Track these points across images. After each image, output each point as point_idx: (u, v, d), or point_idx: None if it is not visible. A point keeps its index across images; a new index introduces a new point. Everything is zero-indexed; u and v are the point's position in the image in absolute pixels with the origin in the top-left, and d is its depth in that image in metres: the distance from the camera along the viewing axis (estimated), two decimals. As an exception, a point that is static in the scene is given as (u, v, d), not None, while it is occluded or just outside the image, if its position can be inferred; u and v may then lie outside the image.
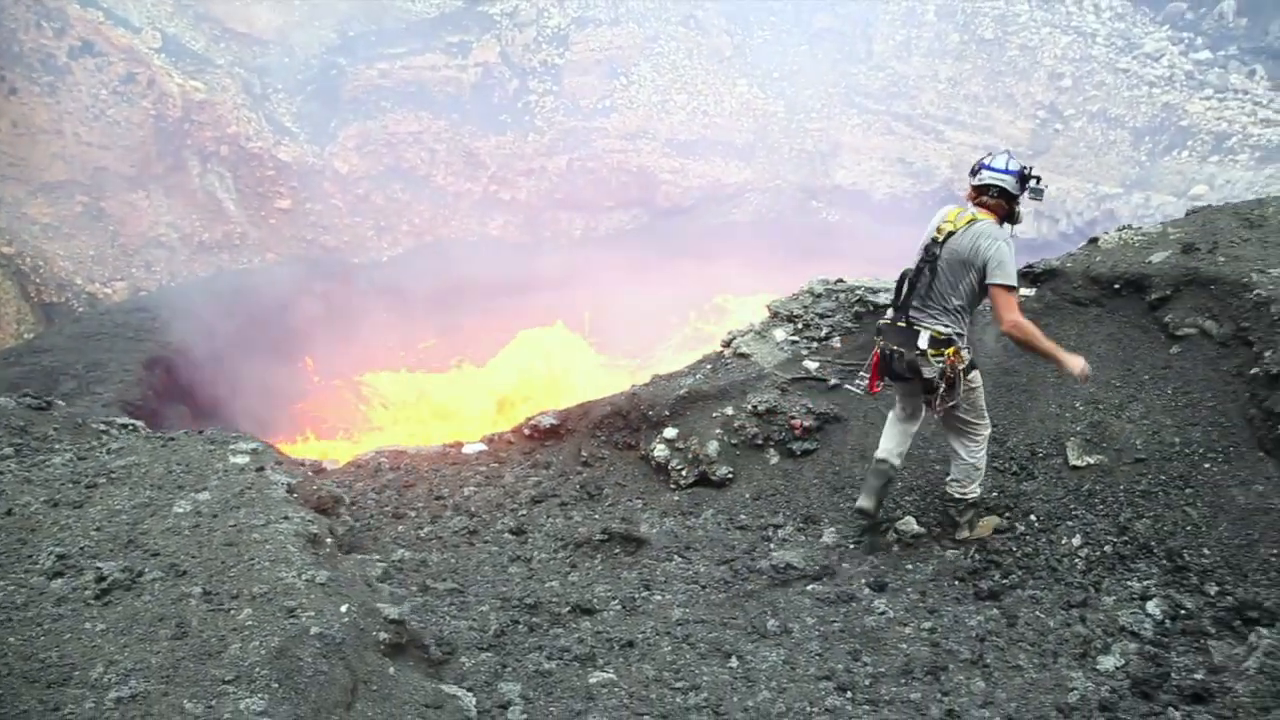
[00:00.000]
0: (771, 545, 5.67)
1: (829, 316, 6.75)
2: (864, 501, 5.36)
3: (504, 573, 5.82)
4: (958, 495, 5.27)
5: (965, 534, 5.27)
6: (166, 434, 6.44)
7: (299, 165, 30.78)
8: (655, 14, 38.20)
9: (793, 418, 6.31)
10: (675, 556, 5.77)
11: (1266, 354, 5.01)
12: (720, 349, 7.18)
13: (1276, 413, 4.79)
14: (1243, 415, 5.05)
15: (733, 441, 6.43)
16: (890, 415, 5.44)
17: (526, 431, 7.98)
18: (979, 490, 5.27)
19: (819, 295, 6.86)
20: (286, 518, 4.61)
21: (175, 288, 26.96)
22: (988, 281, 4.84)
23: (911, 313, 5.01)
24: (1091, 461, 5.29)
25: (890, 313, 5.21)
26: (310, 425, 25.12)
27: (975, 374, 5.08)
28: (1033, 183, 5.01)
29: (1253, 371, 5.08)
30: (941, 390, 4.90)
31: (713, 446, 6.42)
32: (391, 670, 3.89)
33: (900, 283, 5.11)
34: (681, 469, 6.51)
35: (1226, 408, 5.14)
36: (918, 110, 38.06)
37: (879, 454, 5.35)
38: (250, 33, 32.05)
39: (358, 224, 32.15)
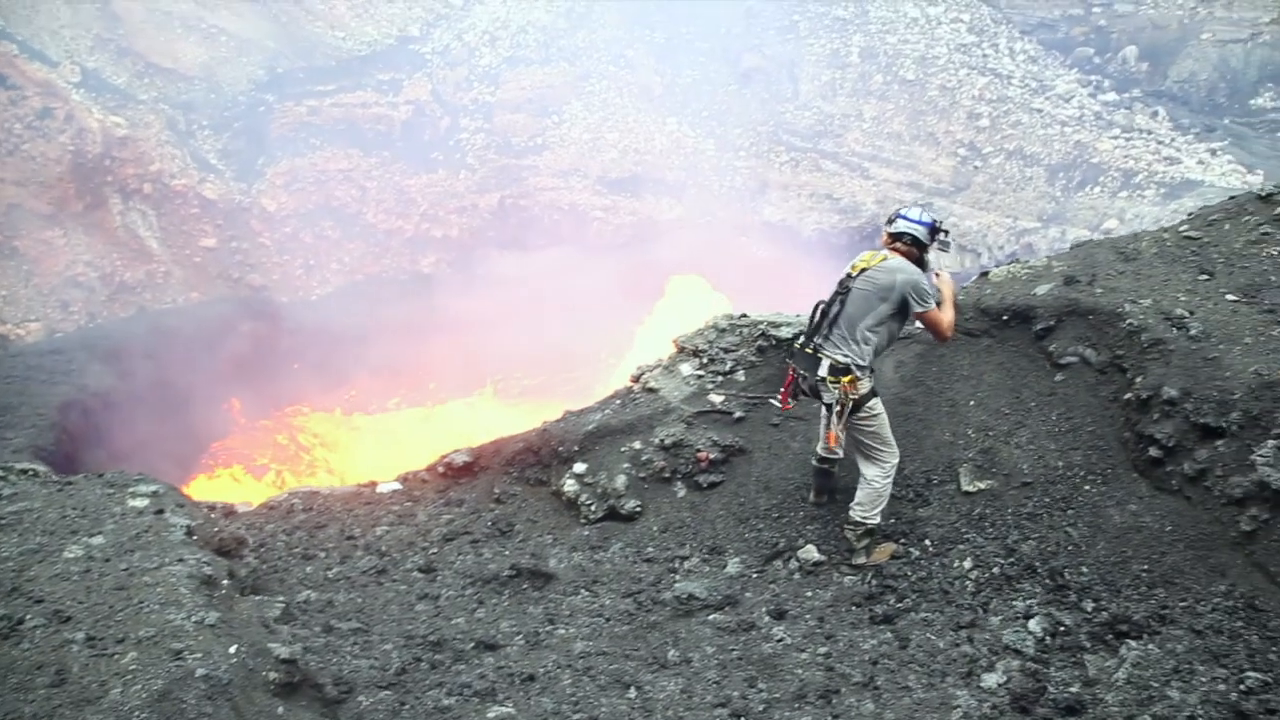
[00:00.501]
0: (677, 577, 5.73)
1: (733, 351, 6.89)
2: (816, 499, 5.96)
3: (411, 611, 5.78)
4: (859, 518, 5.42)
5: (862, 560, 5.41)
6: (65, 479, 6.29)
7: (225, 203, 30.23)
8: (586, 53, 38.63)
9: (699, 451, 6.41)
10: (582, 590, 5.80)
11: (1138, 380, 5.27)
12: (630, 384, 7.27)
13: (1147, 435, 5.03)
14: (1118, 438, 5.29)
15: (641, 475, 6.50)
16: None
17: (441, 469, 7.95)
18: (879, 518, 5.42)
19: (723, 330, 7.00)
20: (181, 560, 4.55)
21: (94, 328, 26.16)
22: (915, 312, 5.25)
23: (818, 340, 5.30)
24: (982, 486, 5.48)
25: (801, 338, 5.48)
26: (234, 465, 24.58)
27: (875, 402, 5.28)
28: (942, 235, 5.42)
29: (1126, 397, 5.33)
30: (836, 413, 5.17)
31: (621, 480, 6.48)
32: (281, 710, 3.85)
33: (813, 313, 5.39)
34: (591, 504, 6.55)
35: (1104, 431, 5.38)
36: (844, 148, 38.94)
37: (819, 450, 5.78)
38: (175, 68, 31.53)
39: (286, 262, 31.64)
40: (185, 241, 29.60)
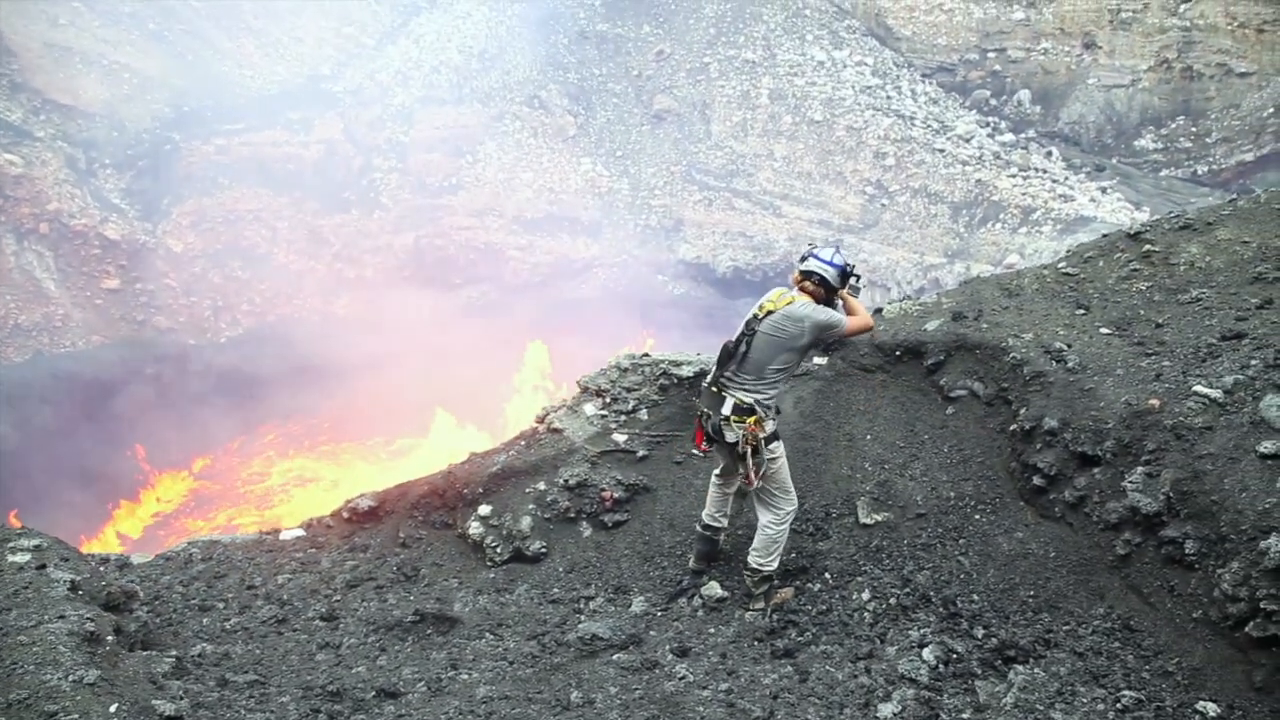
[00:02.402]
0: (582, 617, 5.70)
1: (635, 390, 6.94)
2: (696, 564, 5.81)
3: (310, 661, 5.62)
4: (755, 565, 5.43)
5: (761, 605, 5.43)
6: (-63, 536, 5.97)
7: (128, 243, 29.30)
8: (499, 94, 38.77)
9: (603, 490, 6.42)
10: (487, 634, 5.72)
11: (1021, 411, 5.48)
12: (535, 424, 7.25)
13: (1031, 465, 5.22)
14: (1005, 468, 5.49)
15: (546, 516, 6.47)
16: (712, 478, 5.76)
17: (345, 514, 7.77)
18: (777, 564, 5.45)
19: (625, 369, 7.05)
20: (63, 617, 4.37)
21: None
22: (831, 337, 5.53)
23: (724, 380, 5.30)
24: (879, 519, 5.60)
25: (708, 378, 5.48)
26: (135, 513, 23.66)
27: (777, 445, 5.33)
28: (854, 280, 5.50)
29: (1012, 428, 5.53)
30: (745, 455, 5.19)
31: (526, 522, 6.44)
32: (163, 772, 3.69)
33: (721, 352, 5.39)
34: (496, 545, 6.48)
35: (993, 462, 5.57)
36: (755, 187, 39.76)
37: (704, 518, 5.74)
38: (75, 105, 30.56)
39: (194, 304, 30.79)
40: (86, 283, 28.60)
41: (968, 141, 39.95)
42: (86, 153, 30.05)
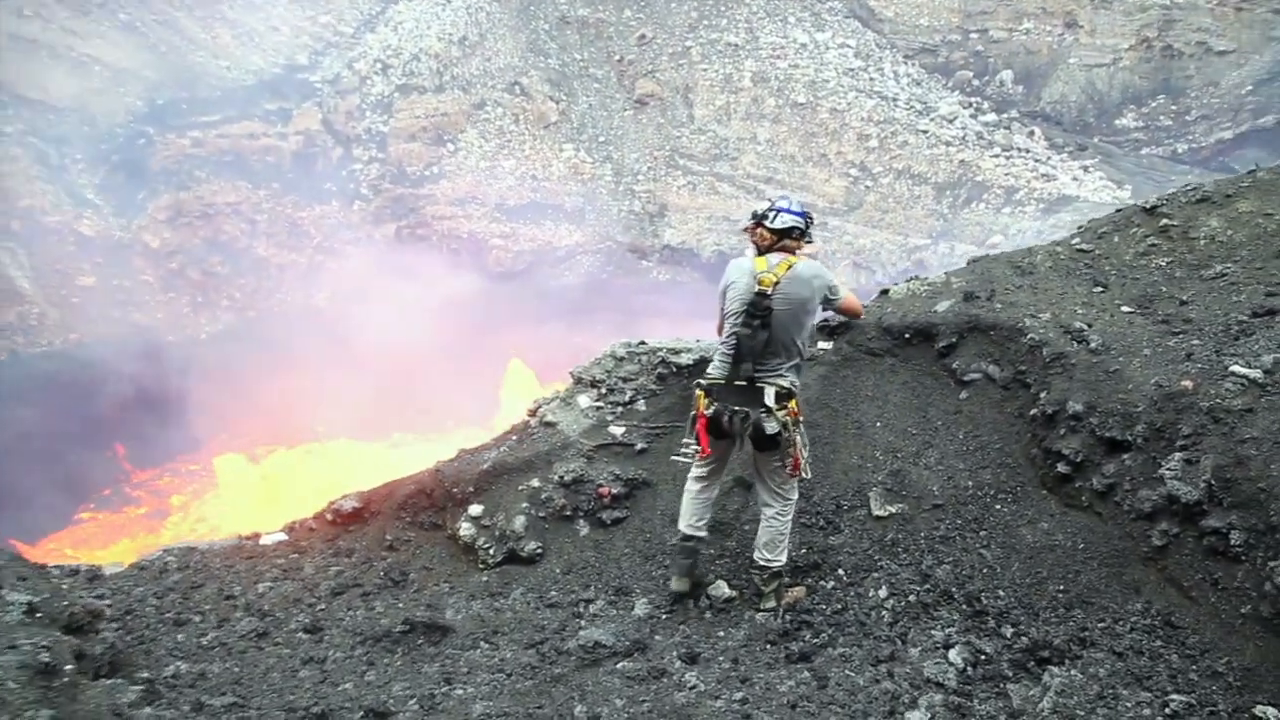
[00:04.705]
0: (582, 622, 5.40)
1: (632, 380, 6.62)
2: (677, 584, 5.27)
3: (294, 678, 5.30)
4: (763, 563, 5.11)
5: (771, 604, 5.12)
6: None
7: (103, 240, 28.84)
8: (480, 81, 38.28)
9: (600, 486, 6.10)
10: (481, 643, 5.41)
11: (1042, 395, 5.20)
12: (526, 418, 6.93)
13: (1054, 451, 4.94)
14: (1026, 455, 5.21)
15: (541, 515, 6.16)
16: (689, 485, 5.29)
17: (329, 517, 7.44)
18: (785, 558, 5.15)
19: (621, 359, 6.73)
20: (13, 647, 4.02)
21: None
22: (835, 305, 5.30)
23: (749, 368, 4.85)
24: (893, 510, 5.32)
25: (719, 371, 4.99)
26: (119, 516, 23.24)
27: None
28: (809, 225, 5.16)
29: (1032, 413, 5.25)
30: (797, 442, 4.87)
31: (520, 521, 6.13)
32: (130, 815, 3.37)
33: (739, 344, 4.89)
34: (489, 547, 6.17)
35: (1012, 448, 5.29)
36: (739, 171, 39.49)
37: (682, 528, 5.25)
38: (45, 100, 29.96)
39: (172, 300, 30.34)
40: (61, 281, 28.11)
41: (951, 122, 39.79)
42: (58, 148, 29.48)
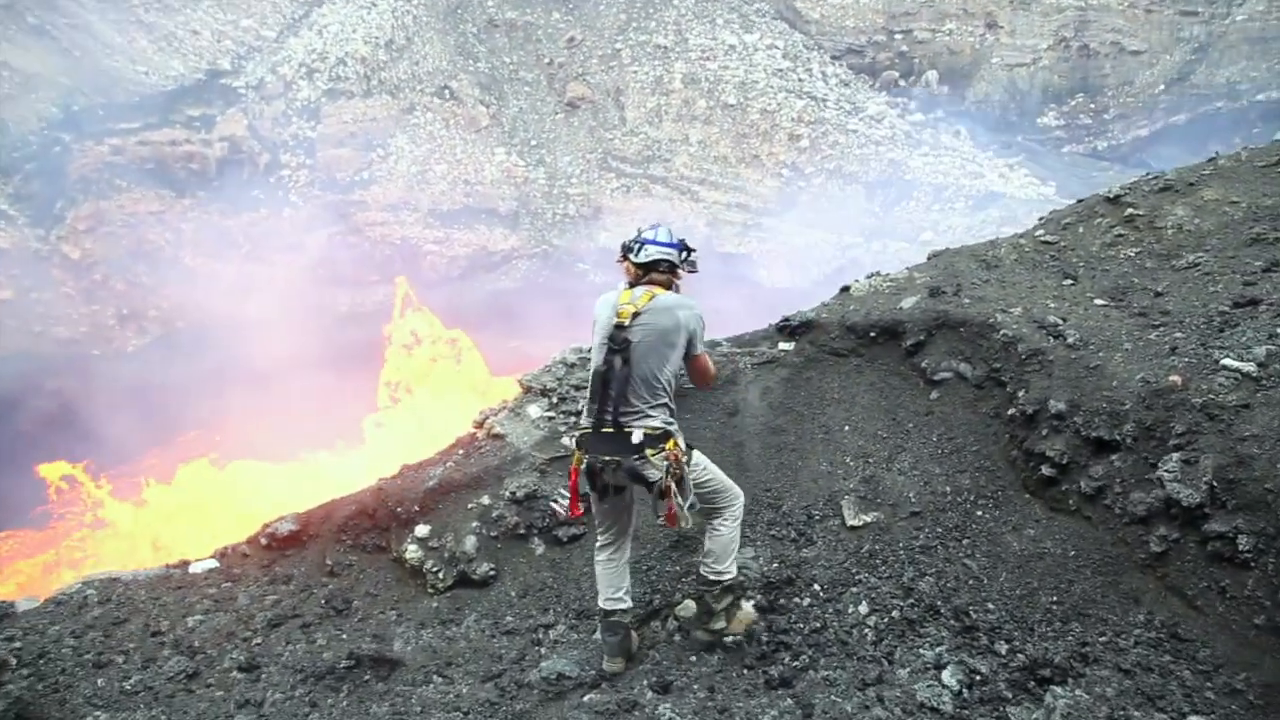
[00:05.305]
0: (542, 650, 5.01)
1: (584, 387, 6.27)
2: (610, 665, 4.67)
3: (227, 725, 4.82)
4: (713, 577, 4.61)
5: (721, 624, 4.65)
6: None
7: (19, 251, 27.65)
8: (409, 85, 37.57)
9: (554, 501, 5.71)
10: (435, 677, 4.99)
11: (1020, 394, 4.97)
12: (473, 430, 6.50)
13: (1037, 453, 4.71)
14: (1005, 457, 4.97)
15: (492, 534, 5.74)
16: (596, 555, 4.78)
17: (264, 541, 6.90)
18: (735, 569, 4.71)
19: (572, 365, 6.36)
20: (-110, 714, 3.48)
21: None
22: (695, 353, 4.59)
23: (615, 414, 4.39)
24: (868, 520, 5.04)
25: (587, 419, 4.53)
26: (43, 534, 22.12)
27: (696, 456, 4.59)
28: (688, 254, 4.74)
29: (1009, 413, 5.02)
30: (672, 489, 4.30)
31: (470, 542, 5.70)
32: None
33: (594, 383, 4.49)
34: (438, 570, 5.73)
35: (989, 450, 5.06)
36: (673, 173, 39.39)
37: (604, 604, 4.68)
38: None
39: (96, 312, 29.13)
40: None
41: (879, 122, 40.23)
42: None
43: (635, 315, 4.43)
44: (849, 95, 41.35)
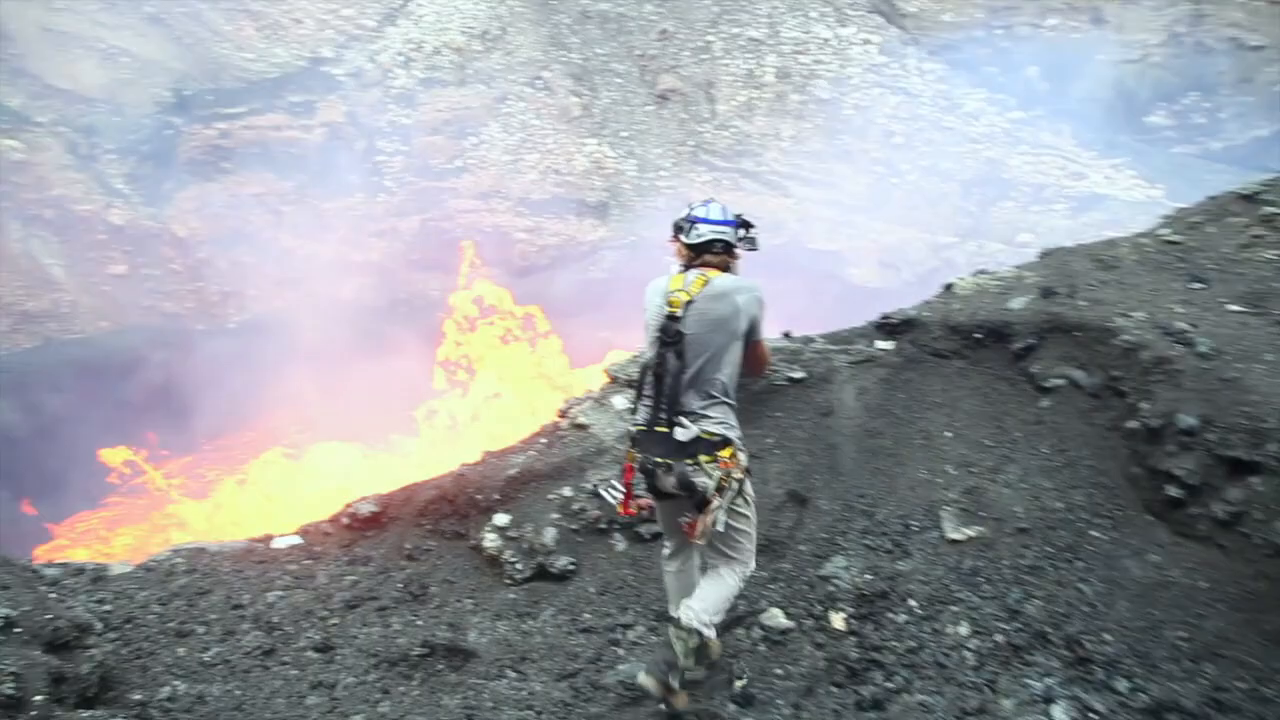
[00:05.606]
0: (620, 651, 4.84)
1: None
2: (647, 679, 4.03)
3: (300, 706, 4.78)
4: (696, 623, 4.03)
5: (675, 687, 4.02)
6: None
7: (133, 229, 29.12)
8: (502, 75, 38.04)
9: (608, 490, 5.49)
10: (508, 671, 4.86)
11: (1143, 405, 4.58)
12: (557, 419, 6.36)
13: (1161, 471, 4.33)
14: (1124, 474, 4.59)
15: (573, 527, 5.60)
16: (663, 562, 4.51)
17: (345, 520, 6.91)
18: (714, 631, 4.20)
19: (662, 357, 6.17)
20: (-25, 673, 3.50)
21: None
22: (755, 339, 4.17)
23: (670, 413, 3.98)
24: (971, 534, 4.72)
25: (640, 415, 4.13)
26: (143, 501, 23.08)
27: (749, 487, 4.18)
28: (744, 230, 4.25)
29: (1130, 425, 4.64)
30: (713, 502, 3.90)
31: (550, 534, 5.57)
32: None
33: (642, 377, 4.12)
34: (516, 561, 5.61)
35: (1107, 466, 4.68)
36: (763, 167, 39.03)
37: (678, 616, 4.16)
38: (75, 90, 30.17)
39: (200, 289, 30.44)
40: (93, 269, 28.29)
41: (977, 119, 39.05)
42: (88, 138, 29.86)
43: (688, 303, 4.00)
44: (945, 91, 40.25)
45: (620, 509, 4.31)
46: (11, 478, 19.54)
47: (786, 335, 6.50)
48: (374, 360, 27.62)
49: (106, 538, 21.20)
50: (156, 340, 27.53)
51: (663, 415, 3.98)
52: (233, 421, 26.94)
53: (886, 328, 5.94)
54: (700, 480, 3.90)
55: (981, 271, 6.22)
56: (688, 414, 3.96)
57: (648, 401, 4.09)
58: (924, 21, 43.08)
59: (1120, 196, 34.43)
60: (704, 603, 4.12)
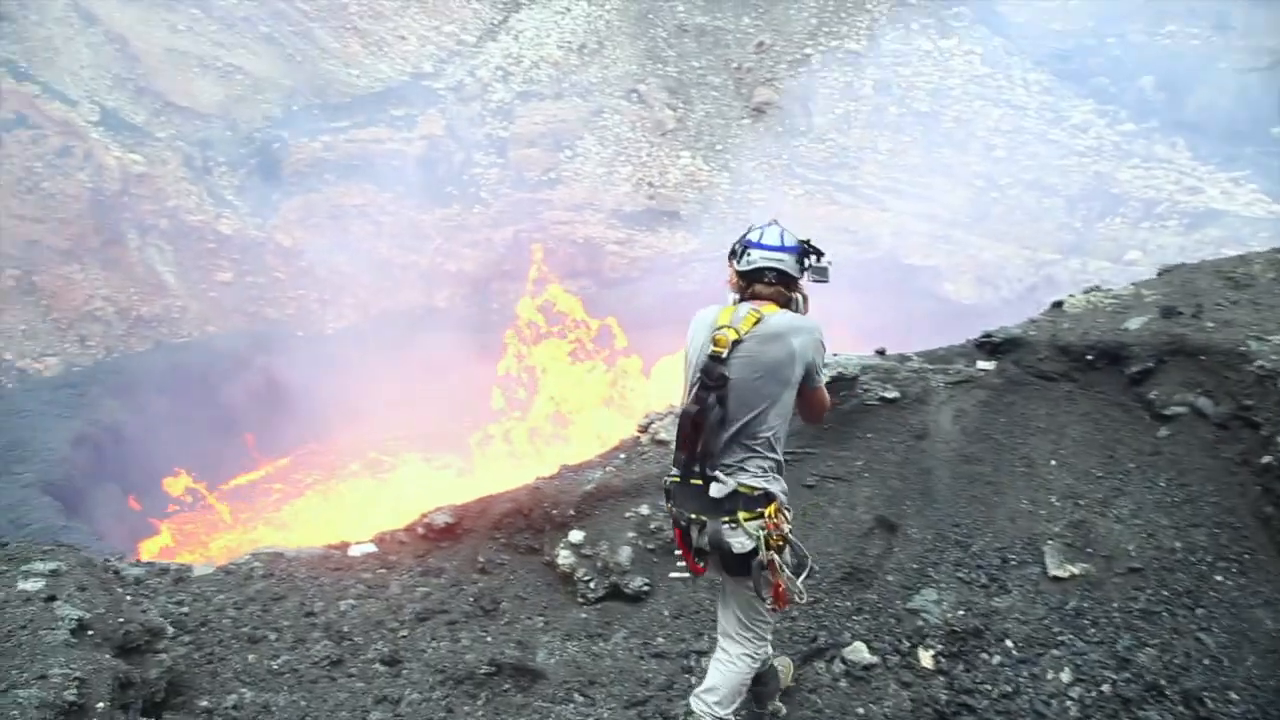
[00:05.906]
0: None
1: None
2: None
3: (364, 720, 4.71)
4: (709, 714, 3.79)
5: None
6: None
7: (240, 238, 30.66)
8: (599, 88, 38.42)
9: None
10: (576, 695, 4.70)
11: (1278, 439, 4.15)
12: (636, 434, 6.19)
13: (1299, 511, 3.91)
14: (1255, 514, 4.17)
15: (649, 547, 5.41)
16: (720, 614, 4.07)
17: (420, 530, 6.90)
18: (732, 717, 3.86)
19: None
20: (43, 677, 3.49)
21: (110, 362, 25.97)
22: (814, 386, 3.68)
23: (706, 465, 3.54)
24: (1076, 571, 4.36)
25: (676, 465, 3.69)
26: (241, 505, 23.90)
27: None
28: (814, 259, 3.75)
29: (1264, 460, 4.22)
30: (777, 563, 3.49)
31: (625, 553, 5.39)
32: None
33: (684, 426, 3.62)
34: (590, 579, 5.46)
35: (1234, 504, 4.27)
36: (859, 181, 38.34)
37: (688, 703, 3.98)
38: (192, 106, 31.91)
39: (301, 296, 31.66)
40: (202, 276, 29.78)
41: (1084, 132, 37.53)
42: (202, 152, 31.66)
43: (736, 343, 3.52)
44: (1051, 104, 38.84)
45: (692, 571, 3.83)
46: (119, 474, 20.39)
47: (880, 353, 6.21)
48: (464, 368, 28.11)
49: (205, 541, 21.96)
50: (259, 344, 28.58)
51: (696, 468, 3.57)
52: (327, 426, 27.78)
53: (987, 347, 5.58)
54: (738, 540, 3.52)
55: (1094, 289, 5.80)
56: (724, 467, 3.56)
57: (681, 453, 3.64)
58: (1030, 31, 41.75)
59: (1240, 212, 32.62)
60: (716, 695, 3.81)
